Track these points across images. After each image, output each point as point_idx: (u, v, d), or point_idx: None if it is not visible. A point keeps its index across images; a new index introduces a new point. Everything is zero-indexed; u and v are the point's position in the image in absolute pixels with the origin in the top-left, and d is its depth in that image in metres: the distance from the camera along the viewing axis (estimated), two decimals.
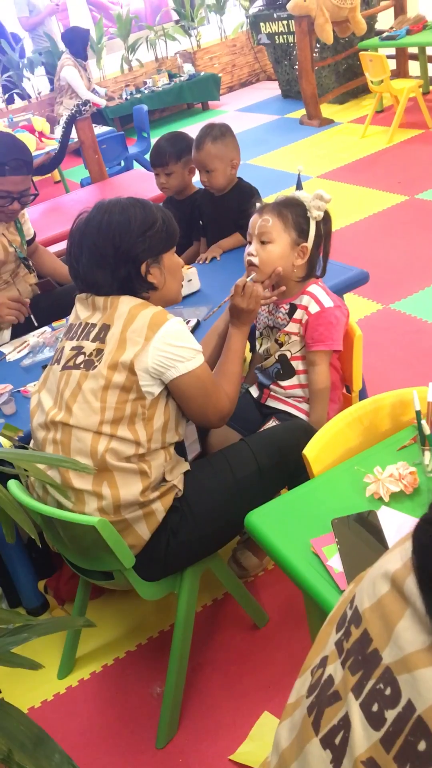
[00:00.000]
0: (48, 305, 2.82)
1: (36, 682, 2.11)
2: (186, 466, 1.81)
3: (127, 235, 1.69)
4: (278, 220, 1.94)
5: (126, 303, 1.68)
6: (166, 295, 1.80)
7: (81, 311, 1.76)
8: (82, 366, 1.68)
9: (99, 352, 1.66)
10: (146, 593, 1.77)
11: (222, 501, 1.79)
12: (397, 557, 0.83)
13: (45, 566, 2.40)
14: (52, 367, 1.79)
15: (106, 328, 1.67)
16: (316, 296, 1.98)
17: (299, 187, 1.95)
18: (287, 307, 2.03)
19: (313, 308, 1.97)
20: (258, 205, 2.03)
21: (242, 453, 1.88)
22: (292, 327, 2.01)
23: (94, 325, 1.70)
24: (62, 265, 3.22)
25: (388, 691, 0.75)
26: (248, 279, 1.92)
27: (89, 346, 1.68)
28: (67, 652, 2.12)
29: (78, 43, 7.51)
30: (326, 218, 1.98)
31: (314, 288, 2.00)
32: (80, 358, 1.69)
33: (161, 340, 1.63)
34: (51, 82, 8.84)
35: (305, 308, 1.98)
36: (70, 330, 1.78)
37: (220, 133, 2.72)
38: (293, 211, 1.95)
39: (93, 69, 8.79)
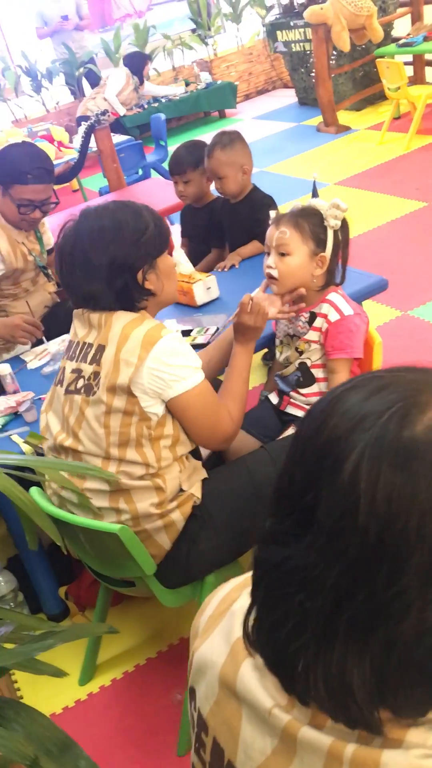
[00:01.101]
0: (66, 313, 2.83)
1: (57, 689, 2.12)
2: (203, 474, 1.80)
3: (121, 244, 1.64)
4: (295, 231, 1.93)
5: (120, 321, 1.63)
6: (164, 299, 1.77)
7: (78, 328, 1.71)
8: (82, 391, 1.65)
9: (96, 375, 1.63)
10: (167, 600, 1.78)
11: (241, 507, 1.78)
12: (222, 644, 0.75)
13: (66, 573, 2.42)
14: (56, 389, 1.76)
15: (101, 349, 1.63)
16: (336, 304, 1.98)
17: (315, 194, 1.95)
18: (307, 315, 2.03)
19: (333, 316, 1.97)
20: (273, 215, 2.03)
21: (261, 459, 1.87)
22: (312, 335, 2.01)
23: (90, 346, 1.66)
24: None
25: None
26: (258, 291, 1.93)
27: (87, 369, 1.65)
28: (88, 659, 2.13)
29: (136, 64, 7.85)
30: (344, 226, 1.98)
31: (334, 296, 2.00)
32: (80, 382, 1.66)
33: (155, 359, 1.58)
34: (72, 93, 8.93)
35: (325, 316, 1.98)
36: (69, 348, 1.75)
37: (229, 140, 2.75)
38: (310, 221, 1.94)
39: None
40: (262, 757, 0.68)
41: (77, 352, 1.70)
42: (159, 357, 1.58)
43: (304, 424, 0.66)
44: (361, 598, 0.58)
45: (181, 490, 1.72)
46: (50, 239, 2.96)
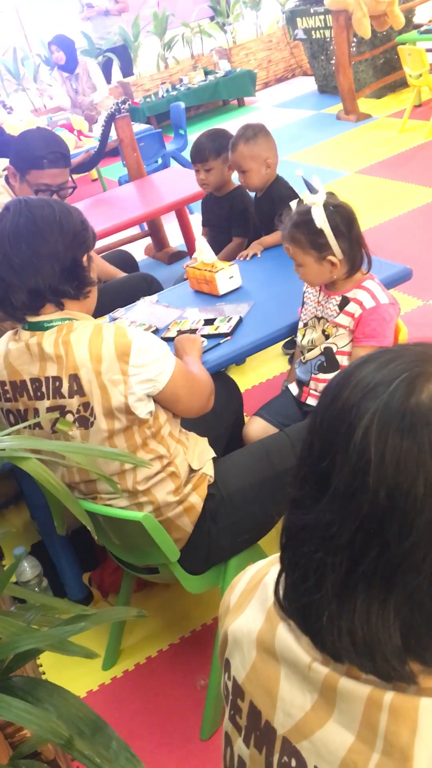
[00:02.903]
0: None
1: (81, 672, 2.15)
2: (210, 451, 1.83)
3: (72, 218, 1.61)
4: (294, 246, 1.96)
5: (81, 344, 1.55)
6: (91, 303, 1.72)
7: (25, 365, 1.61)
8: (77, 425, 1.60)
9: (86, 405, 1.57)
10: (191, 586, 1.80)
11: (259, 486, 1.80)
12: (257, 613, 0.80)
13: (89, 559, 2.44)
14: (33, 432, 1.68)
15: (75, 378, 1.56)
16: (373, 292, 1.97)
17: (311, 190, 1.93)
18: (338, 299, 2.01)
19: (369, 303, 1.96)
20: (294, 206, 2.01)
21: (280, 441, 1.90)
22: (343, 320, 2.00)
23: (57, 379, 1.58)
24: (103, 262, 3.26)
25: (293, 763, 0.72)
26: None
27: (72, 403, 1.58)
28: (111, 644, 2.15)
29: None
30: (340, 213, 1.91)
31: (370, 283, 1.99)
32: (69, 417, 1.60)
33: (136, 366, 1.55)
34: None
35: (360, 303, 1.97)
36: (22, 389, 1.63)
37: (252, 133, 2.74)
38: (304, 231, 1.92)
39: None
40: (301, 713, 0.71)
41: (43, 390, 1.61)
42: (139, 363, 1.56)
43: (322, 396, 0.71)
44: (375, 553, 0.62)
45: (192, 470, 1.75)
46: None
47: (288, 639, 0.74)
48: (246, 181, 2.81)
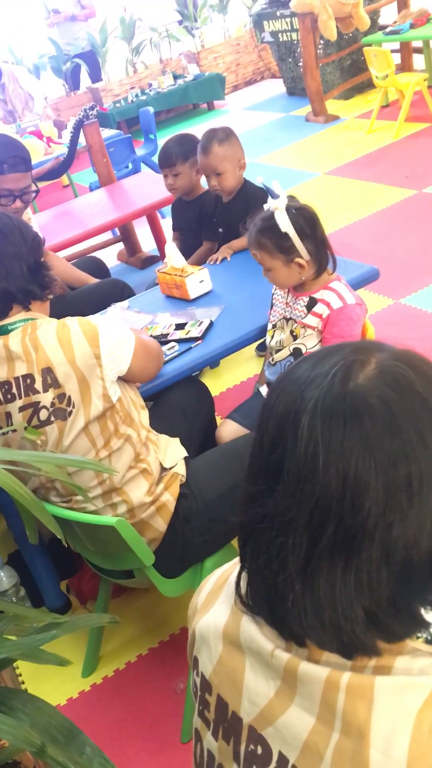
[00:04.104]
0: (61, 310, 2.85)
1: (61, 681, 2.14)
2: (182, 450, 1.85)
3: (26, 226, 1.72)
4: (261, 251, 1.98)
5: (48, 337, 1.59)
6: (48, 306, 1.80)
7: None
8: (52, 419, 1.61)
9: (62, 396, 1.59)
10: (167, 590, 1.80)
11: (230, 482, 1.82)
12: (223, 608, 0.82)
13: (67, 566, 2.44)
14: (7, 438, 1.69)
15: (48, 372, 1.59)
16: (339, 292, 1.99)
17: (273, 195, 1.95)
18: (306, 299, 2.03)
19: (336, 303, 1.98)
20: (266, 208, 2.02)
21: (251, 439, 1.91)
22: (311, 320, 2.01)
23: (29, 376, 1.60)
24: (74, 269, 3.25)
25: (259, 750, 0.74)
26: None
27: (46, 397, 1.60)
28: (90, 651, 2.15)
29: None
30: (303, 215, 1.93)
31: (337, 284, 2.01)
32: (44, 413, 1.61)
33: (106, 348, 1.61)
34: (64, 88, 8.92)
35: (327, 303, 1.98)
36: None
37: (225, 135, 2.75)
38: (269, 235, 1.94)
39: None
40: (265, 700, 0.73)
41: (14, 391, 1.62)
42: (108, 345, 1.62)
43: (267, 395, 0.76)
44: (332, 529, 0.66)
45: (164, 469, 1.77)
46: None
47: (251, 629, 0.76)
48: (221, 183, 2.79)
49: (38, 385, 1.60)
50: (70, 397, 1.59)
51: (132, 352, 1.69)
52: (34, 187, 2.71)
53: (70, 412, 1.60)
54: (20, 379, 1.61)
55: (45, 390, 1.60)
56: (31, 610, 1.30)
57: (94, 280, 3.20)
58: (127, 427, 1.68)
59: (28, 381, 1.61)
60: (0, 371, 1.63)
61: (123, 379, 1.73)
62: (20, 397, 1.62)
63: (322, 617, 0.67)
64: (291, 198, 1.95)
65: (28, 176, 2.68)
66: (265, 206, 1.98)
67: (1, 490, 2.15)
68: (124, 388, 1.73)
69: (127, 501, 1.70)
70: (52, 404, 1.60)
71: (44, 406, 1.61)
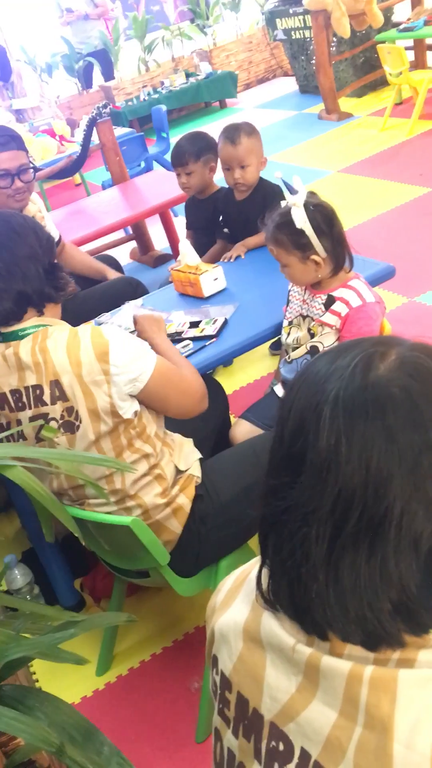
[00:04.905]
0: (74, 308, 2.85)
1: (75, 679, 2.14)
2: (196, 452, 1.83)
3: (39, 226, 1.70)
4: (278, 247, 1.97)
5: (58, 350, 1.56)
6: (59, 309, 1.76)
7: (1, 378, 1.62)
8: (62, 431, 1.60)
9: (71, 410, 1.57)
10: (182, 589, 1.80)
11: (247, 486, 1.81)
12: (243, 605, 0.82)
13: (80, 565, 2.44)
14: (17, 444, 1.68)
15: (56, 384, 1.57)
16: (359, 290, 1.98)
17: (291, 191, 1.93)
18: (324, 297, 2.02)
19: (355, 302, 1.96)
20: (283, 205, 2.01)
21: (267, 439, 1.90)
22: (329, 318, 2.00)
23: (38, 387, 1.59)
24: (93, 260, 3.27)
25: (281, 747, 0.73)
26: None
27: (55, 409, 1.58)
28: (105, 649, 2.15)
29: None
30: (321, 212, 1.92)
31: (356, 282, 2.00)
32: (54, 425, 1.60)
33: (117, 365, 1.55)
34: (77, 86, 8.93)
35: (346, 302, 1.97)
36: (3, 401, 1.64)
37: (251, 128, 2.75)
38: (286, 231, 1.93)
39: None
40: (286, 696, 0.73)
41: (24, 400, 1.61)
42: (119, 362, 1.56)
43: (287, 389, 0.76)
44: (355, 518, 0.66)
45: (179, 471, 1.76)
46: (53, 232, 2.97)
47: (272, 624, 0.75)
48: (244, 176, 2.76)
49: (47, 396, 1.58)
50: (77, 411, 1.57)
51: (150, 377, 1.61)
52: (30, 164, 2.69)
53: (78, 426, 1.58)
54: (30, 389, 1.60)
55: (53, 402, 1.58)
56: (49, 608, 1.30)
57: (113, 272, 3.21)
58: (143, 443, 1.65)
59: (38, 392, 1.59)
60: (11, 379, 1.61)
61: (147, 404, 1.68)
62: (29, 407, 1.61)
63: (346, 607, 0.67)
64: (311, 194, 1.94)
65: (22, 154, 2.67)
66: (283, 202, 1.97)
67: (17, 489, 2.16)
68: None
69: (141, 505, 1.69)
70: (62, 416, 1.58)
71: (53, 418, 1.59)
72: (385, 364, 0.68)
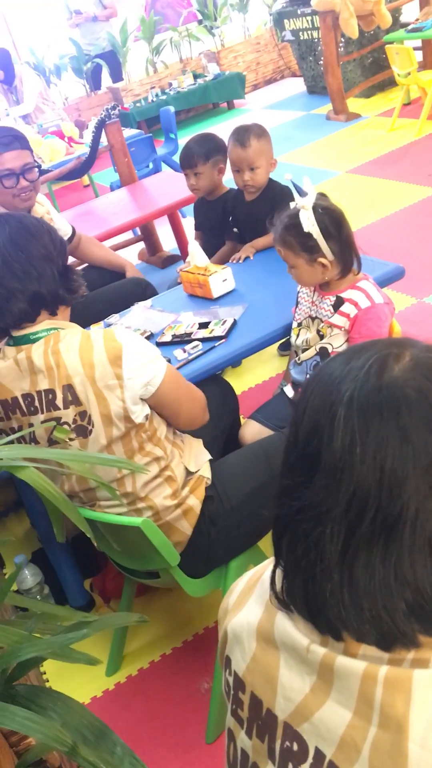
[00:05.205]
0: (84, 308, 2.86)
1: (85, 679, 2.15)
2: (206, 453, 1.83)
3: (52, 228, 1.69)
4: (285, 248, 1.97)
5: (71, 353, 1.55)
6: (68, 312, 1.76)
7: (12, 383, 1.61)
8: (75, 435, 1.60)
9: (83, 414, 1.57)
10: (192, 590, 1.80)
11: (257, 487, 1.81)
12: (256, 606, 0.82)
13: (90, 565, 2.45)
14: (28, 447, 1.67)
15: (69, 388, 1.56)
16: (368, 292, 1.98)
17: (301, 193, 1.93)
18: (333, 299, 2.02)
19: (364, 303, 1.97)
20: (293, 206, 2.02)
21: (277, 440, 1.91)
22: (338, 320, 2.00)
23: (51, 391, 1.58)
24: (112, 253, 3.29)
25: (295, 747, 0.74)
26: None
27: (68, 413, 1.58)
28: (114, 650, 2.15)
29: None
30: (330, 214, 1.92)
31: (365, 284, 2.00)
32: (66, 428, 1.60)
33: (130, 369, 1.55)
34: (85, 88, 8.96)
35: (355, 303, 1.97)
36: (14, 406, 1.63)
37: (261, 130, 2.76)
38: (293, 233, 1.93)
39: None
40: (300, 696, 0.73)
41: (36, 404, 1.61)
42: (132, 366, 1.55)
43: (302, 390, 0.76)
44: (370, 518, 0.66)
45: (189, 473, 1.76)
46: (65, 227, 2.98)
47: (286, 625, 0.76)
48: (254, 178, 2.77)
49: (59, 401, 1.58)
50: (90, 415, 1.57)
51: (161, 378, 1.61)
52: (34, 162, 2.70)
53: (91, 430, 1.58)
54: (42, 393, 1.59)
55: (66, 407, 1.58)
56: (60, 608, 1.30)
57: (133, 268, 3.25)
58: (153, 446, 1.66)
59: (50, 396, 1.58)
60: (23, 383, 1.61)
61: (159, 411, 1.68)
62: (42, 412, 1.61)
63: (361, 607, 0.67)
64: (321, 196, 1.94)
65: (26, 153, 2.67)
66: (292, 204, 1.97)
67: (27, 490, 2.17)
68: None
69: (152, 506, 1.69)
70: (74, 420, 1.58)
71: (66, 422, 1.59)
72: (400, 366, 0.69)
